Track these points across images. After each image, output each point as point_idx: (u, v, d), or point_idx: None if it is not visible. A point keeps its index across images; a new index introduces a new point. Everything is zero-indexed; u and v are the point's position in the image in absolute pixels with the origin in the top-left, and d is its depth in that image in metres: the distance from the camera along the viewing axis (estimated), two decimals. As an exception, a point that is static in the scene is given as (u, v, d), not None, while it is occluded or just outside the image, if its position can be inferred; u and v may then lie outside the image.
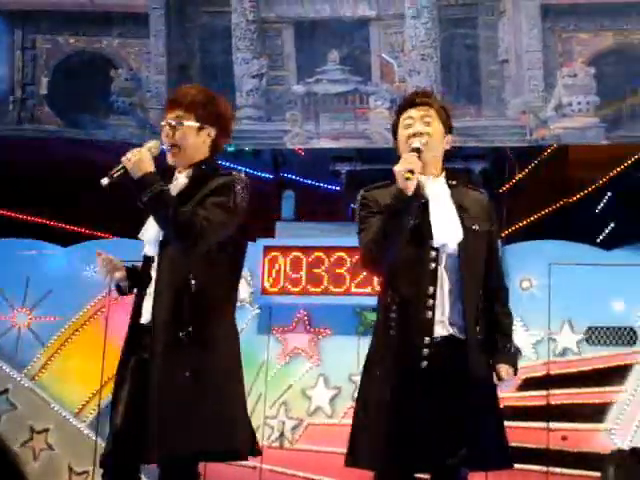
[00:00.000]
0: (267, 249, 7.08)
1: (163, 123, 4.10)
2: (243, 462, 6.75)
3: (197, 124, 4.07)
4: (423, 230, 4.02)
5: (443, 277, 4.03)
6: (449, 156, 6.35)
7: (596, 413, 6.60)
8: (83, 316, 7.29)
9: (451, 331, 4.00)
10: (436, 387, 3.95)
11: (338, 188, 7.60)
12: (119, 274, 4.17)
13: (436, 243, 4.00)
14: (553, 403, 6.65)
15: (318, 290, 6.95)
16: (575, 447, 6.56)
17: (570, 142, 6.76)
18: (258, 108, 6.97)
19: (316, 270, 6.96)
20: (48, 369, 7.25)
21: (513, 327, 4.15)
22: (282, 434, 6.96)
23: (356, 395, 4.12)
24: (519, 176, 7.52)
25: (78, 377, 7.23)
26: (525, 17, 6.59)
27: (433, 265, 4.01)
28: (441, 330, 4.00)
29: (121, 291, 4.22)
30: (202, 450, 3.98)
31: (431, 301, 3.97)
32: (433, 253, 4.01)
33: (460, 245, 4.02)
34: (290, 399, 7.01)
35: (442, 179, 4.16)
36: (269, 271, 7.06)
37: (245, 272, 7.14)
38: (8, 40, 7.32)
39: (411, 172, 3.91)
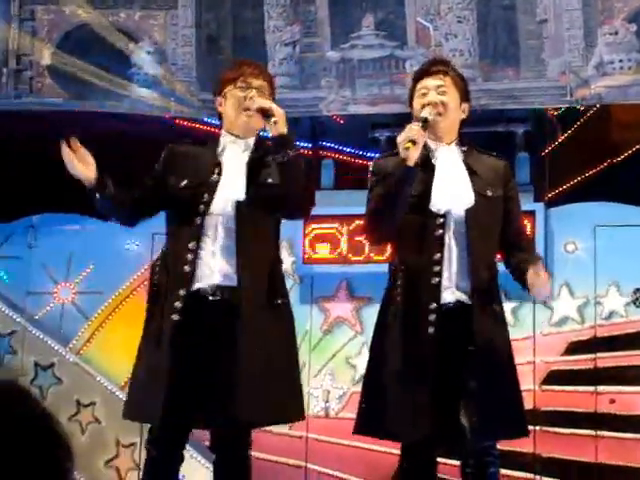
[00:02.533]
0: (307, 218, 7.03)
1: (254, 86, 4.09)
2: (290, 431, 6.86)
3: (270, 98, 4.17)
4: (429, 197, 4.02)
5: (451, 243, 4.02)
6: (491, 120, 6.33)
7: (644, 376, 6.54)
8: (126, 289, 7.31)
9: (459, 297, 3.99)
10: (444, 353, 3.94)
11: (378, 155, 7.53)
12: (88, 173, 4.06)
13: (437, 209, 3.99)
14: (600, 366, 6.58)
15: (359, 258, 6.92)
16: (623, 410, 6.50)
17: (611, 101, 6.65)
18: (292, 76, 6.92)
19: (357, 238, 6.92)
20: (93, 343, 7.28)
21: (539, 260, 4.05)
22: (327, 403, 6.96)
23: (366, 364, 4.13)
24: (562, 138, 7.41)
25: (123, 350, 7.24)
26: (563, -26, 6.49)
27: (440, 231, 4.02)
28: (449, 296, 4.00)
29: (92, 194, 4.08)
30: (282, 418, 4.10)
31: (437, 267, 3.97)
32: (440, 219, 4.00)
33: (468, 211, 4.00)
34: (334, 368, 7.00)
35: (454, 146, 4.15)
36: (310, 240, 7.04)
37: (285, 242, 7.13)
38: (0, 10, 7.22)
39: (412, 142, 3.91)
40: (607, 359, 6.58)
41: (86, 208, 6.89)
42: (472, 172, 4.12)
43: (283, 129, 4.03)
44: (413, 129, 3.96)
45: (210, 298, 3.99)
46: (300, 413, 4.20)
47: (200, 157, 4.17)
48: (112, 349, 7.26)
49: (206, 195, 4.05)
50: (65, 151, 4.02)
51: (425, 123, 4.01)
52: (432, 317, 3.94)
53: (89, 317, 7.33)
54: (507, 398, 4.07)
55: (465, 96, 4.23)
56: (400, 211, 3.98)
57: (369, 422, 4.08)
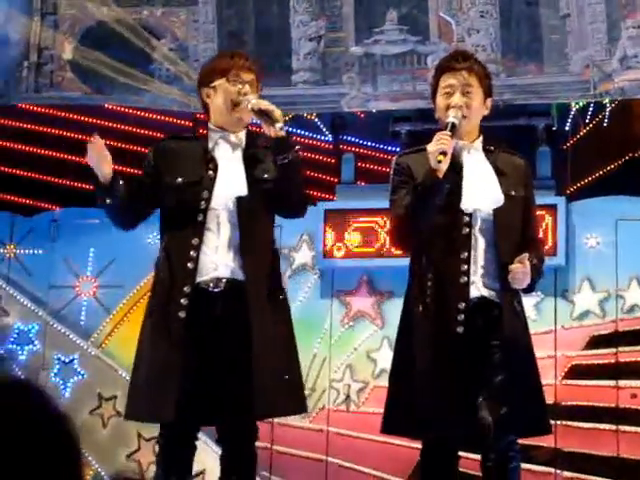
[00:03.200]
0: (328, 212, 7.05)
1: (246, 80, 4.11)
2: (310, 425, 6.87)
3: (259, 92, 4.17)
4: (458, 196, 4.02)
5: (478, 241, 4.02)
6: (513, 113, 6.30)
7: (666, 370, 6.52)
8: (147, 283, 7.28)
9: (485, 294, 4.00)
10: (472, 352, 3.95)
11: (398, 149, 7.52)
12: (106, 169, 4.06)
13: (465, 208, 3.99)
14: (622, 361, 6.57)
15: (380, 252, 6.92)
16: (645, 405, 6.49)
17: (635, 95, 6.61)
18: (315, 71, 6.90)
19: (377, 232, 6.92)
20: (114, 336, 7.31)
21: (541, 266, 4.12)
22: (348, 397, 6.97)
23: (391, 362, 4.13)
24: (583, 131, 7.39)
25: (144, 344, 7.29)
26: (586, -32, 6.45)
27: (467, 230, 4.02)
28: (475, 292, 4.00)
29: (104, 191, 4.07)
30: (291, 410, 4.14)
31: (465, 266, 3.99)
32: (466, 218, 4.01)
33: (496, 210, 4.01)
34: (355, 362, 7.00)
35: (478, 144, 4.14)
36: (330, 234, 7.03)
37: (306, 236, 7.13)
38: (22, 3, 7.22)
39: (443, 154, 3.90)
40: (628, 353, 6.57)
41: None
42: (498, 172, 4.12)
43: (283, 131, 4.03)
44: (444, 140, 3.93)
45: (215, 290, 4.01)
46: (305, 406, 4.28)
47: (191, 153, 4.15)
48: (133, 343, 7.21)
49: (205, 192, 4.06)
50: (90, 144, 4.03)
51: (453, 129, 4.00)
52: (461, 317, 3.95)
53: (111, 311, 7.35)
54: (531, 395, 4.08)
55: (489, 91, 4.22)
56: (429, 221, 3.98)
57: (399, 422, 4.09)
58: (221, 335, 3.98)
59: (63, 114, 7.46)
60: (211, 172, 4.08)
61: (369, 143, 7.79)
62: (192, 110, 6.81)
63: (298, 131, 7.81)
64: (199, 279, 4.02)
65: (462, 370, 3.93)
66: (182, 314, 3.96)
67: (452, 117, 4.02)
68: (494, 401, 3.92)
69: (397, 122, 7.23)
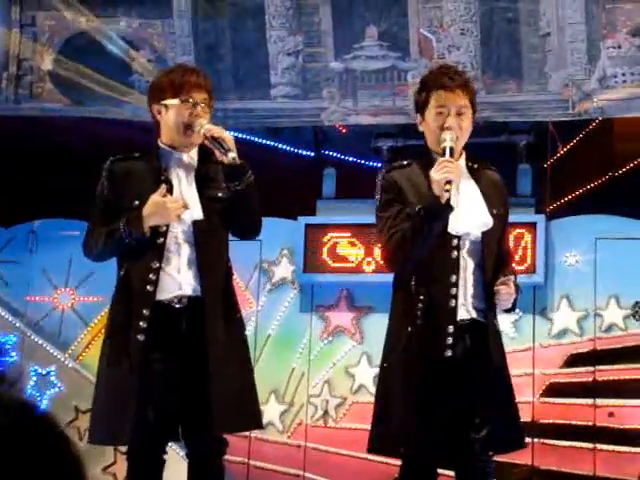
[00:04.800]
0: (308, 227, 7.04)
1: (200, 102, 4.10)
2: (288, 440, 6.85)
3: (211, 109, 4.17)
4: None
5: (467, 264, 4.03)
6: (494, 130, 6.32)
7: (643, 389, 6.52)
8: (126, 296, 7.30)
9: (473, 315, 4.01)
10: (459, 375, 3.97)
11: (380, 165, 7.53)
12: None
13: (456, 232, 3.99)
14: (600, 379, 6.57)
15: (360, 267, 6.91)
16: (622, 424, 6.49)
17: (614, 114, 6.65)
18: (294, 86, 6.90)
19: (358, 247, 6.92)
20: (92, 349, 7.26)
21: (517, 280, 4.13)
22: (326, 412, 6.95)
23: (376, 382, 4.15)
24: (564, 150, 7.41)
25: (122, 357, 7.26)
26: (567, -12, 6.48)
27: (455, 253, 4.01)
28: (464, 314, 4.01)
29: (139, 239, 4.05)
30: (245, 426, 4.17)
31: (454, 289, 3.99)
32: (455, 241, 4.01)
33: (482, 232, 4.02)
34: (333, 377, 6.99)
35: (462, 161, 4.13)
36: (310, 249, 7.02)
37: (286, 250, 7.13)
38: (1, 15, 7.19)
39: (449, 182, 3.89)
40: (606, 372, 6.57)
41: (85, 214, 6.92)
42: (483, 192, 4.11)
43: (237, 158, 4.01)
44: (449, 167, 3.89)
45: (177, 306, 4.01)
46: (260, 421, 4.32)
47: (143, 175, 4.12)
48: (111, 355, 7.24)
49: None
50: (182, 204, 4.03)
51: (452, 153, 3.97)
52: (449, 340, 3.95)
53: (88, 323, 7.32)
54: (508, 411, 4.10)
55: (476, 108, 4.19)
56: (429, 246, 3.96)
57: (385, 442, 4.09)
58: (181, 352, 3.99)
59: (42, 125, 7.42)
60: (168, 194, 4.06)
61: (351, 158, 7.79)
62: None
63: (280, 145, 7.81)
64: (160, 298, 4.02)
65: (448, 392, 3.94)
66: (141, 337, 3.97)
67: (449, 141, 3.97)
68: (477, 419, 3.95)
69: (379, 138, 7.24)
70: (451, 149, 3.96)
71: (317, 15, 6.85)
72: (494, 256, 4.09)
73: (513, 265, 4.37)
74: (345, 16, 6.83)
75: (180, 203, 4.02)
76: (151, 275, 4.00)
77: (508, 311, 4.17)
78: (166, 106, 4.13)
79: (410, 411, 3.95)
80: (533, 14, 6.55)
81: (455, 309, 3.97)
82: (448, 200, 3.91)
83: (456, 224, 3.99)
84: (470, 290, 4.03)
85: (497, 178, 4.24)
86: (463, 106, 4.06)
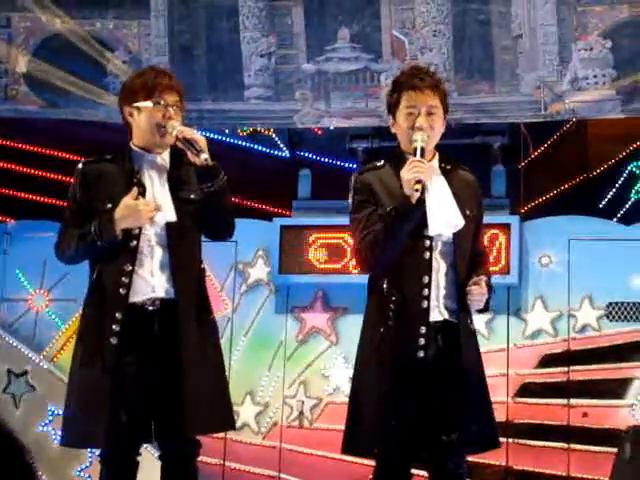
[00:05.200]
0: (284, 228, 7.05)
1: (172, 104, 4.10)
2: (263, 441, 6.86)
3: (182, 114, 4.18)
4: (419, 220, 4.03)
5: (439, 265, 4.04)
6: (468, 132, 6.33)
7: (617, 389, 6.55)
8: (101, 298, 7.28)
9: (446, 316, 4.03)
10: (432, 376, 3.97)
11: (355, 166, 7.55)
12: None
13: (431, 233, 4.01)
14: (573, 380, 6.61)
15: (335, 268, 6.92)
16: (596, 423, 6.52)
17: (585, 116, 6.69)
18: (267, 87, 6.92)
19: (333, 248, 6.93)
20: (66, 350, 7.24)
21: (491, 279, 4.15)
22: (301, 413, 6.96)
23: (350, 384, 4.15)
24: (537, 152, 7.45)
25: (97, 358, 7.23)
26: (539, -10, 6.52)
27: (428, 254, 4.02)
28: (436, 315, 4.02)
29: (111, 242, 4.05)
30: (219, 427, 4.17)
31: (427, 290, 4.00)
32: (427, 242, 4.01)
33: (454, 233, 4.03)
34: (309, 378, 7.00)
35: (435, 162, 4.15)
36: (286, 250, 7.03)
37: (261, 252, 7.13)
38: None
39: (419, 182, 3.91)
40: (580, 372, 6.61)
41: (60, 216, 6.91)
42: (455, 193, 4.10)
43: (209, 159, 4.03)
44: (418, 167, 3.91)
45: (150, 308, 4.02)
46: (233, 422, 4.32)
47: (115, 177, 4.12)
48: (86, 357, 7.22)
49: None
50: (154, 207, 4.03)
51: (422, 154, 3.99)
52: (422, 341, 3.96)
53: (63, 324, 7.30)
54: (482, 411, 4.10)
55: (447, 109, 4.20)
56: (400, 246, 3.97)
57: (359, 443, 4.09)
58: (154, 355, 3.99)
59: (16, 126, 7.41)
60: (140, 197, 4.07)
61: (326, 160, 7.81)
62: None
63: (255, 146, 7.82)
64: (134, 300, 4.02)
65: (421, 393, 3.95)
66: (114, 340, 3.97)
67: (420, 141, 3.99)
68: (450, 419, 3.95)
69: (354, 139, 7.26)
70: (422, 149, 3.98)
71: (289, 17, 6.87)
72: (467, 257, 4.10)
73: (488, 266, 4.36)
74: (317, 18, 6.85)
75: (152, 206, 4.02)
76: (124, 278, 4.00)
77: (481, 311, 4.17)
78: (138, 108, 4.14)
79: (382, 412, 3.95)
80: (505, 16, 6.59)
81: (427, 310, 3.98)
82: (420, 200, 3.93)
83: (433, 225, 4.01)
84: (443, 291, 4.04)
85: (471, 179, 4.25)
86: (433, 106, 4.07)
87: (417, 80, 4.09)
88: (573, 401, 6.58)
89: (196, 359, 4.01)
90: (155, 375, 3.99)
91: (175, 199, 4.09)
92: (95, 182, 4.12)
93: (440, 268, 4.04)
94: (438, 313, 4.02)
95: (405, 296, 3.99)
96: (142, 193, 4.08)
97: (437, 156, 4.17)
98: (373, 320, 4.07)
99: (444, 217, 4.03)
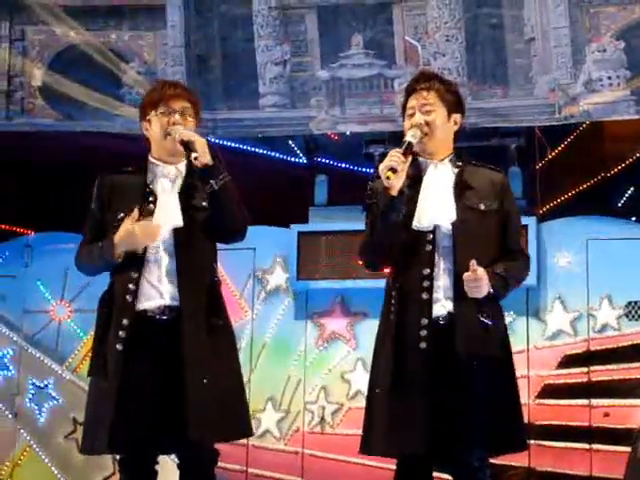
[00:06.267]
0: (301, 235, 7.07)
1: (178, 109, 4.15)
2: (285, 447, 6.88)
3: (195, 121, 4.25)
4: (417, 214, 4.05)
5: (440, 258, 4.03)
6: (484, 134, 6.33)
7: (638, 388, 6.54)
8: (122, 307, 7.31)
9: (449, 309, 4.01)
10: (438, 368, 3.94)
11: (372, 171, 7.57)
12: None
13: (418, 227, 4.03)
14: (594, 380, 6.60)
15: (353, 274, 6.94)
16: (618, 423, 6.51)
17: (600, 117, 6.68)
18: (282, 95, 6.95)
19: (350, 254, 6.94)
20: (89, 361, 7.28)
21: (511, 276, 4.10)
22: (322, 419, 6.97)
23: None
24: (554, 153, 7.45)
25: (119, 368, 7.27)
26: (551, -7, 6.53)
27: (429, 247, 4.03)
28: (440, 310, 4.00)
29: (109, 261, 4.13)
30: (242, 434, 4.16)
31: (427, 282, 4.00)
32: (429, 235, 4.03)
33: (455, 225, 4.02)
34: (329, 384, 7.02)
35: (448, 162, 4.16)
36: (304, 256, 7.05)
37: (279, 258, 7.16)
38: None
39: (393, 171, 3.94)
40: (601, 372, 6.60)
41: (81, 227, 6.95)
42: (465, 186, 4.11)
43: (206, 159, 4.06)
44: (393, 157, 3.97)
45: (162, 318, 4.05)
46: (247, 429, 4.26)
47: (131, 187, 4.19)
48: (108, 367, 7.25)
49: None
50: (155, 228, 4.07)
51: (408, 148, 4.03)
52: (423, 332, 3.96)
53: (85, 335, 7.34)
54: (501, 410, 4.04)
55: (454, 107, 4.21)
56: (389, 238, 4.00)
57: (369, 441, 4.10)
58: (158, 365, 4.00)
59: (36, 139, 7.46)
60: (151, 205, 4.12)
61: (343, 165, 7.83)
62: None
63: (272, 153, 7.85)
64: (142, 307, 4.05)
65: (429, 386, 3.93)
66: (119, 346, 4.00)
67: (409, 136, 4.07)
68: (464, 417, 3.92)
69: (370, 145, 7.28)
70: (409, 143, 4.02)
71: (303, 24, 6.91)
72: (477, 251, 4.04)
73: (513, 263, 4.15)
74: (331, 25, 6.89)
75: (151, 228, 4.05)
76: (131, 285, 4.05)
77: (492, 299, 4.07)
78: (149, 121, 4.23)
79: (389, 409, 3.96)
80: (517, 20, 6.60)
81: (429, 302, 3.98)
82: (401, 191, 3.96)
83: (419, 218, 4.04)
84: (446, 284, 4.03)
85: (496, 177, 4.22)
86: (426, 104, 4.14)
87: (414, 83, 4.23)
88: (594, 401, 6.57)
89: (203, 367, 4.01)
90: (163, 383, 4.00)
91: (186, 206, 4.13)
92: (110, 193, 4.20)
93: (441, 262, 4.03)
94: (441, 307, 4.01)
95: (405, 289, 4.01)
96: (153, 202, 4.13)
97: (451, 156, 4.19)
98: (382, 316, 4.11)
99: (433, 209, 4.05)
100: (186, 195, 4.15)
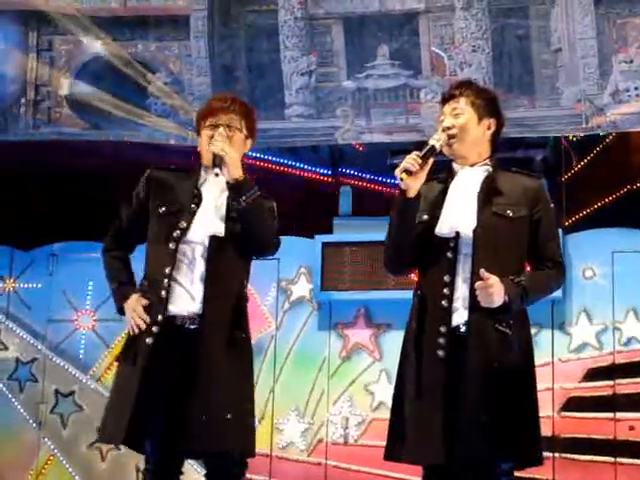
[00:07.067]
0: (325, 245, 7.08)
1: (224, 123, 4.17)
2: (309, 458, 6.87)
3: (245, 133, 4.27)
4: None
5: (461, 265, 3.97)
6: (510, 145, 6.27)
7: (663, 402, 6.51)
8: (146, 316, 7.33)
9: (467, 319, 3.94)
10: (455, 378, 3.89)
11: (397, 182, 7.55)
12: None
13: (440, 233, 3.98)
14: (619, 393, 6.57)
15: (377, 285, 6.93)
16: (643, 437, 6.48)
17: (627, 128, 6.66)
18: (308, 105, 6.96)
19: (375, 265, 6.93)
20: (113, 370, 7.27)
21: (542, 283, 4.03)
22: (346, 430, 6.96)
23: None
24: (580, 164, 7.42)
25: (142, 377, 7.28)
26: (578, 4, 6.49)
27: (451, 254, 3.97)
28: (459, 318, 3.95)
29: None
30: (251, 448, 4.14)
31: (447, 290, 3.94)
32: (452, 242, 3.98)
33: (476, 232, 3.96)
34: (353, 395, 7.01)
35: (479, 167, 4.12)
36: (328, 267, 7.05)
37: (303, 269, 7.16)
38: (18, 40, 7.29)
39: (408, 172, 3.91)
40: (626, 385, 6.57)
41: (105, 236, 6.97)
42: (493, 192, 4.03)
43: (235, 174, 4.09)
44: (409, 159, 3.95)
45: (191, 327, 4.06)
46: (248, 449, 4.19)
47: (179, 185, 4.23)
48: (132, 376, 7.27)
49: (183, 222, 4.12)
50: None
51: (430, 151, 3.99)
52: (442, 340, 3.90)
53: (109, 344, 7.37)
54: (517, 423, 3.97)
55: (486, 112, 4.15)
56: (405, 241, 3.97)
57: (392, 448, 4.07)
58: (178, 367, 4.02)
59: (60, 148, 7.51)
60: (194, 205, 4.14)
61: (368, 176, 7.83)
62: (189, 144, 6.84)
63: (297, 164, 7.86)
64: (174, 311, 4.06)
65: (448, 395, 3.89)
66: (149, 340, 4.02)
67: (433, 140, 4.04)
68: (482, 427, 3.87)
69: (395, 155, 7.25)
70: (432, 147, 3.99)
71: (329, 35, 6.92)
72: (502, 259, 3.97)
73: (542, 274, 4.04)
74: (357, 35, 6.90)
75: (139, 321, 4.08)
76: (165, 280, 4.06)
77: (504, 310, 3.91)
78: (200, 133, 4.29)
79: (411, 417, 3.93)
80: (544, 30, 6.59)
81: (448, 309, 3.93)
82: (419, 194, 3.94)
83: (442, 225, 4.01)
84: (464, 291, 3.98)
85: (530, 183, 4.13)
86: (456, 108, 4.11)
87: (446, 92, 4.23)
88: (619, 414, 6.54)
89: (218, 379, 4.01)
90: (176, 386, 4.01)
91: (229, 218, 4.14)
92: (157, 186, 4.24)
93: (462, 269, 3.99)
94: (460, 314, 3.96)
95: (427, 295, 3.97)
96: (197, 203, 4.15)
97: (485, 162, 4.13)
98: (406, 327, 4.09)
99: (456, 215, 4.01)
100: (228, 206, 4.16)
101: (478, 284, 3.87)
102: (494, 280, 3.87)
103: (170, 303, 4.05)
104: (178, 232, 4.10)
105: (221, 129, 4.18)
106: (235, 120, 4.22)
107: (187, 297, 4.07)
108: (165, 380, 4.00)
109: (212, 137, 4.16)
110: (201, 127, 4.26)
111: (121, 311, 4.26)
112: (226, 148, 4.10)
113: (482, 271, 3.86)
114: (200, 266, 4.10)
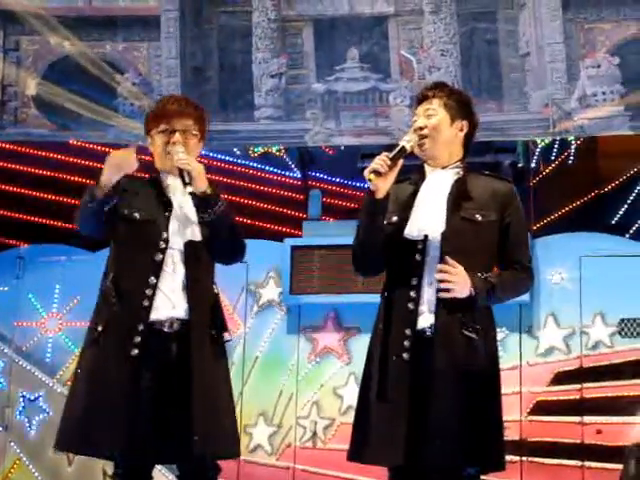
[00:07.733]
0: (294, 249, 7.06)
1: (180, 128, 4.13)
2: (277, 462, 6.85)
3: (199, 137, 4.21)
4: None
5: (428, 268, 3.95)
6: (479, 150, 6.26)
7: (630, 406, 6.54)
8: (114, 320, 7.29)
9: (433, 322, 3.92)
10: (419, 381, 3.87)
11: (366, 186, 7.56)
12: (117, 178, 4.04)
13: (409, 236, 3.96)
14: (587, 397, 6.60)
15: (346, 288, 6.92)
16: (610, 441, 6.50)
17: (594, 133, 6.71)
18: (277, 107, 6.96)
19: (344, 269, 6.93)
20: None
21: (510, 284, 3.99)
22: (314, 434, 6.95)
23: None
24: (548, 169, 7.46)
25: (110, 381, 7.24)
26: (546, 9, 6.54)
27: (419, 257, 3.94)
28: (424, 322, 3.92)
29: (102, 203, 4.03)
30: (234, 453, 4.11)
31: (413, 293, 3.91)
32: (419, 245, 3.96)
33: (444, 236, 3.95)
34: (321, 399, 7.00)
35: (451, 169, 4.09)
36: (297, 271, 7.04)
37: (272, 272, 7.15)
38: None
39: (376, 173, 3.89)
40: (593, 389, 6.60)
41: (73, 239, 6.94)
42: (462, 196, 4.00)
43: (203, 187, 4.05)
44: (378, 160, 3.93)
45: (169, 331, 4.02)
46: (238, 449, 4.19)
47: (147, 192, 4.17)
48: (99, 380, 7.23)
49: (164, 233, 4.07)
50: (129, 150, 4.01)
51: (400, 152, 3.97)
52: (407, 343, 3.88)
53: (76, 348, 7.30)
54: (483, 427, 3.96)
55: (458, 113, 4.13)
56: (373, 242, 3.96)
57: (355, 449, 4.06)
58: (168, 374, 3.98)
59: (29, 150, 7.46)
60: (167, 213, 4.10)
61: (337, 179, 7.83)
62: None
63: (266, 167, 7.85)
64: (154, 317, 4.01)
65: (407, 398, 3.87)
66: (135, 352, 3.95)
67: (404, 140, 4.01)
68: (440, 431, 3.85)
69: (366, 158, 7.25)
70: (402, 147, 3.98)
71: (300, 37, 6.93)
72: (469, 262, 3.96)
73: (511, 275, 3.99)
74: (327, 38, 6.92)
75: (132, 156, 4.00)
76: (148, 290, 3.99)
77: (470, 305, 3.89)
78: (152, 137, 4.21)
79: (373, 418, 3.92)
80: (512, 35, 6.63)
81: (414, 312, 3.92)
82: (387, 195, 3.93)
83: (410, 227, 3.99)
84: (430, 295, 3.96)
85: (500, 186, 4.10)
86: (429, 109, 4.10)
87: (421, 92, 4.20)
88: (587, 418, 6.57)
89: (207, 382, 4.00)
90: (167, 393, 3.98)
91: (198, 220, 4.12)
92: (123, 191, 4.11)
93: (429, 272, 3.97)
94: (425, 320, 3.94)
95: (393, 298, 3.96)
96: (169, 210, 4.12)
97: (456, 165, 4.11)
98: (374, 325, 4.07)
99: (424, 218, 4.00)
100: (196, 209, 4.14)
101: (440, 266, 3.86)
102: (460, 269, 3.87)
103: (151, 312, 4.01)
104: (162, 243, 4.05)
105: (178, 136, 4.12)
106: (190, 125, 4.16)
107: (169, 304, 4.04)
108: (153, 390, 3.96)
109: (167, 143, 4.12)
110: (152, 129, 4.18)
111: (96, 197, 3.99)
112: (191, 162, 4.06)
113: (447, 258, 3.86)
114: (180, 273, 4.07)
